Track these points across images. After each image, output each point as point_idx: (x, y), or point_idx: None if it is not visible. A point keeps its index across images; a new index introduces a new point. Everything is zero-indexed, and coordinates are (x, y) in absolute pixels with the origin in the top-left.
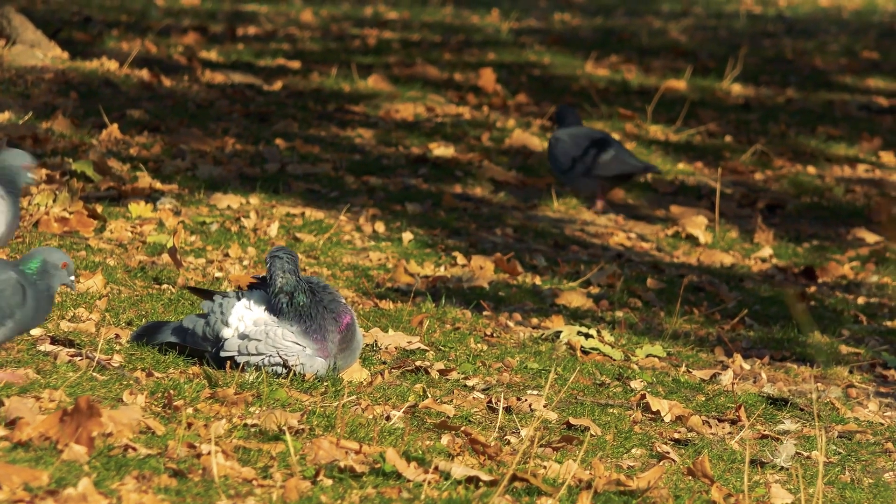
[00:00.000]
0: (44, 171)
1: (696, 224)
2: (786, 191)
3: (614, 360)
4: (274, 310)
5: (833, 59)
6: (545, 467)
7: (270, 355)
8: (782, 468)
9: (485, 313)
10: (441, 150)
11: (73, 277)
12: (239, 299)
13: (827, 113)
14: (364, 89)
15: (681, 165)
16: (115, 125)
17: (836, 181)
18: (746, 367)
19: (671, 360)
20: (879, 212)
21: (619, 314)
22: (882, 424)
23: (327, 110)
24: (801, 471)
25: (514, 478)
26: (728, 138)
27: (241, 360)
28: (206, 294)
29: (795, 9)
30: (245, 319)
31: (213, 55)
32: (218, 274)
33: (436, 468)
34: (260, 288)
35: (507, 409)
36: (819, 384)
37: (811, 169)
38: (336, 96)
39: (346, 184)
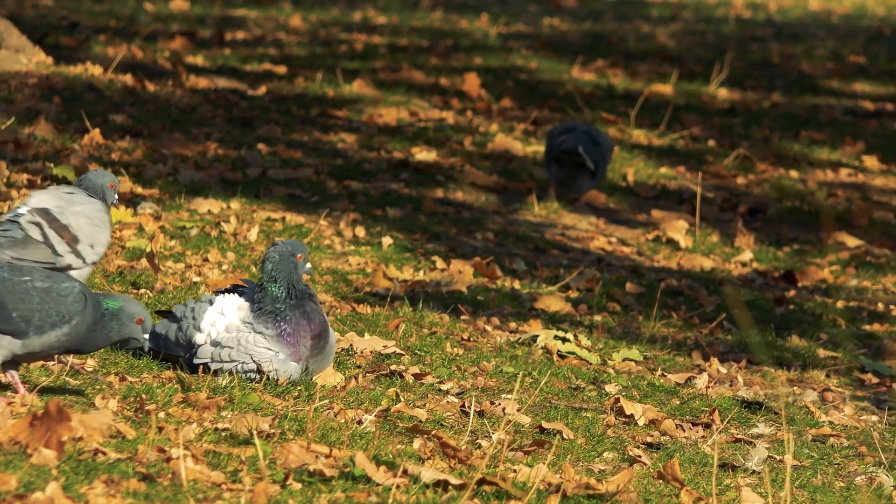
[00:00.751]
0: (25, 177)
1: (677, 228)
2: (767, 195)
3: (591, 364)
4: (252, 300)
5: (820, 64)
6: (515, 471)
7: (244, 362)
8: (754, 472)
9: (463, 317)
10: (423, 154)
11: (146, 335)
12: (211, 304)
13: (812, 117)
14: (348, 94)
15: (663, 170)
16: (97, 130)
17: (819, 185)
18: (723, 370)
19: (648, 365)
20: (860, 216)
21: (598, 318)
22: (856, 428)
23: (310, 115)
24: (773, 474)
25: (483, 481)
26: (711, 142)
27: (214, 366)
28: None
29: (785, 13)
30: (217, 325)
31: (199, 60)
32: (196, 279)
33: (405, 472)
34: (234, 292)
35: (481, 413)
36: (795, 388)
37: (794, 173)
38: (320, 101)
39: (328, 188)
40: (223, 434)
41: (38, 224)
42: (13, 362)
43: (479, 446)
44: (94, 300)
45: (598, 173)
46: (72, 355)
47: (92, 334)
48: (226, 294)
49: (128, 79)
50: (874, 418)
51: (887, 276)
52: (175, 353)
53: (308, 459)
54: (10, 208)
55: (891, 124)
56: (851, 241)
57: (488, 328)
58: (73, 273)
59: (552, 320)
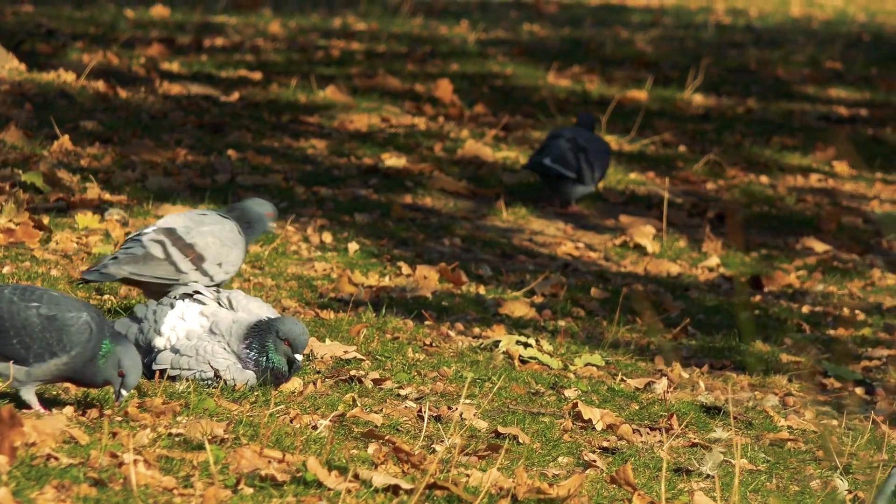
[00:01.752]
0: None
1: (644, 233)
2: (737, 200)
3: (552, 369)
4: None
5: (796, 70)
6: (468, 475)
7: (202, 370)
8: (708, 476)
9: (426, 323)
10: (393, 160)
11: (123, 391)
12: (172, 307)
13: (785, 123)
14: (320, 100)
15: (632, 175)
16: (67, 136)
17: (788, 191)
18: (685, 375)
19: (609, 370)
20: (829, 221)
21: (562, 323)
22: (815, 432)
23: (282, 121)
24: (727, 479)
25: (434, 486)
26: (682, 148)
27: (172, 373)
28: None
29: (766, 19)
30: (177, 330)
31: (175, 66)
32: None
33: (356, 476)
34: (195, 297)
35: (438, 418)
36: (757, 392)
37: (764, 178)
38: (291, 107)
39: (296, 194)
40: (177, 439)
41: (160, 242)
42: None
43: (434, 451)
44: (100, 336)
45: (585, 179)
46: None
47: (86, 370)
48: (186, 299)
49: (100, 85)
50: (834, 423)
51: (854, 280)
52: None
53: (260, 464)
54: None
55: (864, 130)
56: (819, 247)
57: (452, 333)
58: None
59: (516, 325)
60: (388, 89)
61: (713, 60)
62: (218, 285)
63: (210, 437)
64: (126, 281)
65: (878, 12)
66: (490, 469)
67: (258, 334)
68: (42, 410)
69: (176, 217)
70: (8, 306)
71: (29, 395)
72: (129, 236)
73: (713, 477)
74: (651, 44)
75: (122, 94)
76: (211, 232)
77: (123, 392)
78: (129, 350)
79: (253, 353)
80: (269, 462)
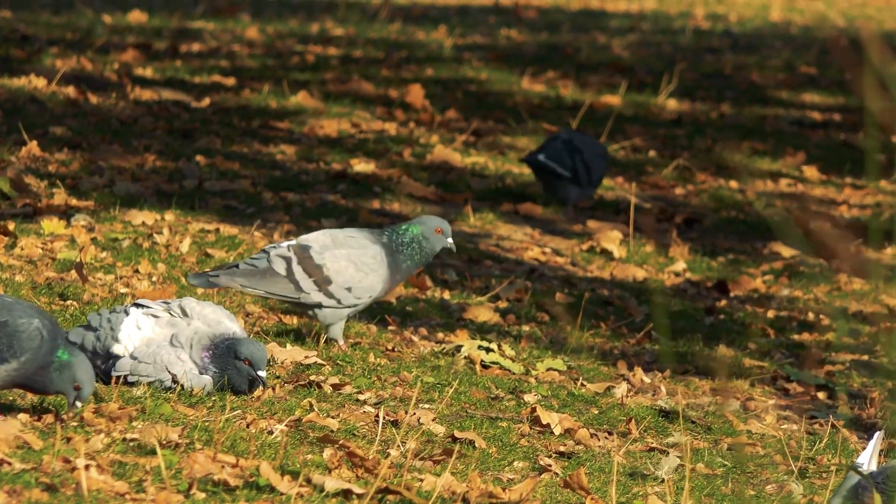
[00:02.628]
0: None
1: (611, 238)
2: (705, 205)
3: (513, 374)
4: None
5: (771, 74)
6: (421, 480)
7: (161, 377)
8: (664, 480)
9: (390, 328)
10: (362, 166)
11: (79, 403)
12: (127, 314)
13: (758, 128)
14: (291, 106)
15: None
16: (35, 142)
17: (758, 195)
18: (647, 380)
19: (571, 374)
20: (797, 226)
21: (526, 328)
22: (774, 437)
23: (252, 127)
24: (682, 483)
25: (386, 490)
26: (652, 153)
27: (132, 378)
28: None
29: (745, 24)
30: (133, 338)
31: (148, 72)
32: (123, 290)
33: (308, 481)
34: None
35: (395, 423)
36: (718, 397)
37: (733, 183)
38: (262, 113)
39: (264, 200)
40: (131, 444)
41: (286, 259)
42: None
43: (389, 456)
44: (53, 344)
45: (581, 180)
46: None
47: (38, 377)
48: (140, 308)
49: (70, 91)
50: (795, 427)
51: (819, 285)
52: (91, 362)
53: (213, 469)
54: None
55: (836, 135)
56: (786, 251)
57: (415, 338)
58: (326, 311)
59: (480, 330)
60: (361, 94)
61: (688, 65)
62: (350, 307)
63: (165, 442)
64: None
65: (857, 17)
66: (443, 473)
67: (218, 355)
68: None
69: (319, 234)
70: None
71: None
72: (263, 248)
73: (666, 481)
74: (628, 49)
75: (93, 99)
76: (347, 256)
77: (78, 404)
78: (84, 362)
79: (212, 366)
80: (223, 467)
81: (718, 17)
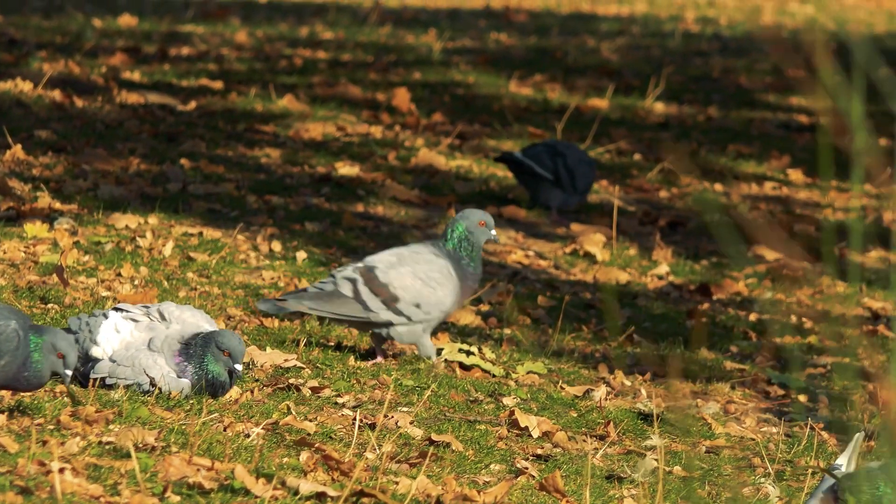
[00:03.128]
0: None
1: (594, 242)
2: (689, 208)
3: (494, 376)
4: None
5: (759, 78)
6: (397, 483)
7: (139, 382)
8: (640, 483)
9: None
10: (346, 169)
11: (68, 371)
12: (106, 318)
13: (744, 131)
14: (276, 109)
15: None
16: (19, 146)
17: (742, 198)
18: (627, 383)
19: (551, 377)
20: (781, 229)
21: (507, 331)
22: (753, 440)
23: (237, 130)
24: (659, 485)
25: (361, 493)
26: (637, 156)
27: (110, 381)
28: None
29: (735, 27)
30: (112, 341)
31: (136, 76)
32: (105, 293)
33: (283, 484)
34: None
35: (372, 426)
36: (699, 400)
37: (718, 186)
38: (247, 116)
39: (248, 203)
40: (107, 447)
41: (352, 280)
42: None
43: (365, 458)
44: (26, 339)
45: (564, 184)
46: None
47: (24, 373)
48: (119, 311)
49: (56, 94)
50: (774, 430)
51: (803, 288)
52: None
53: (189, 472)
54: None
55: (822, 138)
56: (770, 254)
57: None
58: (400, 329)
59: (462, 333)
60: (348, 98)
61: (676, 69)
62: (421, 323)
63: (141, 445)
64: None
65: (847, 21)
66: (418, 476)
67: (195, 347)
68: None
69: (385, 254)
70: None
71: None
72: (331, 272)
73: (643, 484)
74: (617, 52)
75: (79, 103)
76: (413, 272)
77: (68, 372)
78: (56, 333)
79: (189, 366)
80: (198, 470)
81: (709, 20)
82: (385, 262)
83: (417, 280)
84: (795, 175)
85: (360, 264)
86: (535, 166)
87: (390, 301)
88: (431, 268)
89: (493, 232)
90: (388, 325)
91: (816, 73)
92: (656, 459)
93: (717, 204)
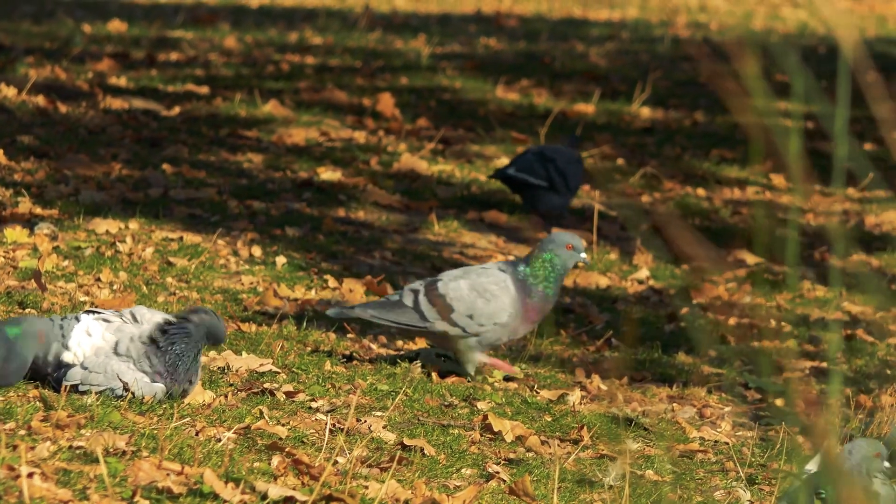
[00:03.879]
0: None
1: None
2: (671, 213)
3: (469, 381)
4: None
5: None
6: (366, 487)
7: (112, 387)
8: (611, 487)
9: (349, 335)
10: (328, 174)
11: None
12: (78, 321)
13: (729, 136)
14: (260, 114)
15: None
16: (1, 151)
17: (724, 203)
18: (604, 387)
19: (528, 382)
20: (763, 233)
21: None
22: (727, 444)
23: (220, 135)
24: (630, 489)
25: (330, 498)
26: (620, 161)
27: (83, 388)
28: None
29: (726, 32)
30: (83, 345)
31: (122, 81)
32: (83, 298)
33: (252, 488)
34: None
35: (346, 431)
36: (675, 404)
37: (700, 191)
38: (231, 121)
39: (229, 208)
40: (77, 452)
41: (415, 291)
42: None
43: (336, 463)
44: (3, 335)
45: (558, 187)
46: None
47: (10, 365)
48: (92, 314)
49: (40, 100)
50: (749, 434)
51: (783, 293)
52: (43, 371)
53: (158, 477)
54: None
55: (807, 143)
56: (751, 259)
57: (374, 346)
58: (459, 344)
59: None
60: (333, 103)
61: (664, 74)
62: (475, 335)
63: (112, 450)
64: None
65: (839, 25)
66: (390, 480)
67: (168, 339)
68: None
69: (453, 270)
70: None
71: None
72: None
73: (613, 487)
74: (605, 57)
75: (63, 108)
76: (470, 284)
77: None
78: (28, 319)
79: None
80: (168, 474)
81: (699, 25)
82: (450, 275)
83: (473, 291)
84: (778, 179)
85: (430, 278)
86: (529, 178)
87: (445, 312)
88: (489, 280)
89: (583, 255)
90: (444, 336)
91: (742, 80)
92: (630, 464)
93: (698, 208)
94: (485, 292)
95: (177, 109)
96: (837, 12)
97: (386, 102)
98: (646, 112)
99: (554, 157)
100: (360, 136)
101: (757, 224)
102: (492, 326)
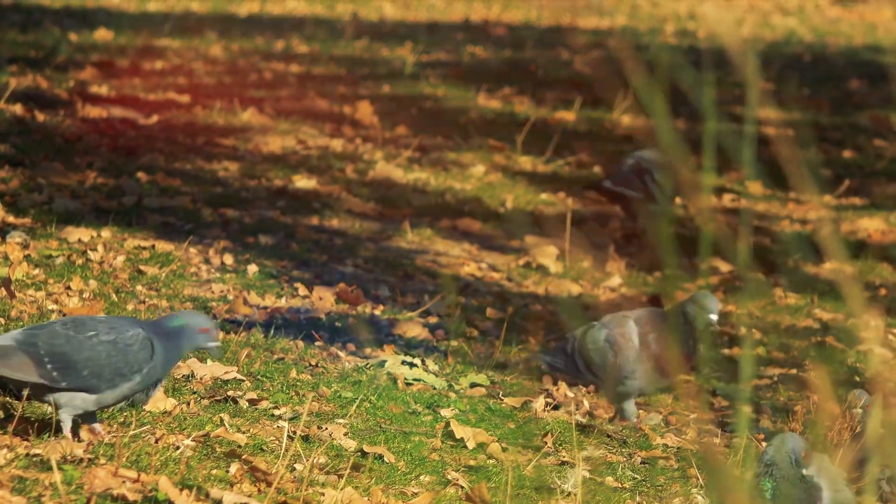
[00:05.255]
0: None
1: (547, 254)
2: (645, 220)
3: (436, 389)
4: None
5: (729, 91)
6: (323, 494)
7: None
8: (570, 493)
9: (317, 343)
10: (303, 182)
11: (215, 344)
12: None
13: (709, 143)
14: (238, 123)
15: (544, 196)
16: None
17: (699, 211)
18: (570, 394)
19: (494, 389)
20: (737, 241)
21: (454, 344)
22: (690, 450)
23: (196, 144)
24: (589, 496)
25: None
26: (597, 168)
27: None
28: None
29: (713, 40)
30: None
31: (104, 90)
32: (52, 306)
33: (207, 495)
34: None
35: (306, 438)
36: (641, 411)
37: (675, 199)
38: (208, 130)
39: (202, 216)
40: (34, 460)
41: (573, 339)
42: (89, 414)
43: (293, 470)
44: (156, 333)
45: (656, 197)
46: None
47: (168, 365)
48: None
49: (17, 108)
50: (715, 441)
51: (755, 300)
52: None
53: (113, 484)
54: None
55: (785, 150)
56: (725, 266)
57: (342, 354)
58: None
59: (409, 346)
60: (313, 111)
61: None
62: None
63: (70, 458)
64: None
65: (827, 33)
66: (347, 487)
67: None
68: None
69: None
70: (67, 341)
71: None
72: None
73: (573, 494)
74: (590, 65)
75: (40, 117)
76: (607, 335)
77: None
78: (187, 313)
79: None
80: (124, 482)
81: (687, 33)
82: (601, 321)
83: (606, 343)
84: (754, 187)
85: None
86: (626, 190)
87: (589, 363)
88: (613, 333)
89: (713, 316)
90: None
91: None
92: (590, 470)
93: (673, 216)
94: (613, 344)
95: (155, 118)
96: (721, 16)
97: (364, 110)
98: (626, 120)
99: (649, 168)
100: (337, 145)
101: (730, 231)
102: (623, 379)
